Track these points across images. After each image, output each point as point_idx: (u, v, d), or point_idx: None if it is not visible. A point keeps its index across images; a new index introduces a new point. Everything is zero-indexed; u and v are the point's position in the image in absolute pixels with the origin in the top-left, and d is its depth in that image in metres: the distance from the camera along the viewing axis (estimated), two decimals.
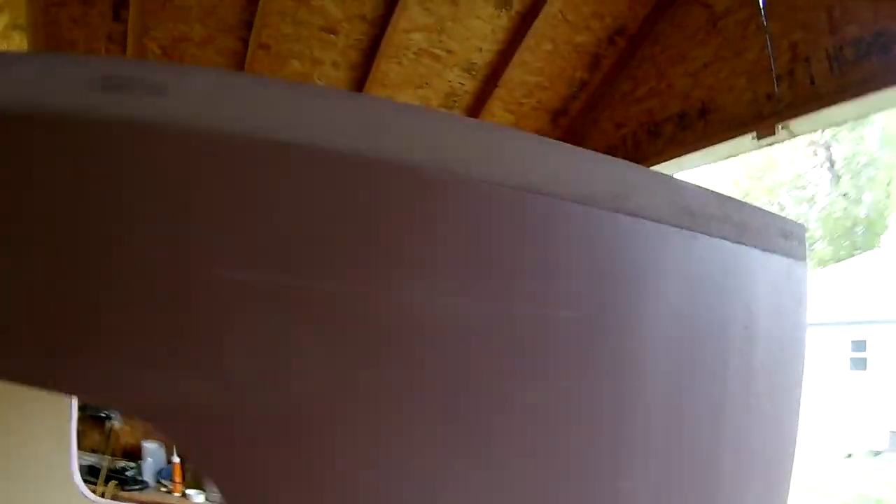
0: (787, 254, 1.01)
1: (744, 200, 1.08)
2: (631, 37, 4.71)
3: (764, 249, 0.99)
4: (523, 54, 5.09)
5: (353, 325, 0.68)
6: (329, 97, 0.73)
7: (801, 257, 1.03)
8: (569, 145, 0.88)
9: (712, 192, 0.96)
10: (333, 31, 5.16)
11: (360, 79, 5.34)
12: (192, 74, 0.65)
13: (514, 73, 5.28)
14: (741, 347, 0.95)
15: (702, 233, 0.91)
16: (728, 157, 4.21)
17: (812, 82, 3.56)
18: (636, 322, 0.87)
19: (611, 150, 4.81)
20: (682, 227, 0.89)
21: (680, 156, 4.27)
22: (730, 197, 0.99)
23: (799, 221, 1.06)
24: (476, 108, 5.55)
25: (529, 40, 4.98)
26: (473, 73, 5.36)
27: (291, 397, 0.66)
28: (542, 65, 5.21)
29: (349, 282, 0.68)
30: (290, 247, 0.66)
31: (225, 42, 5.24)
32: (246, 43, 5.09)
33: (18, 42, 5.21)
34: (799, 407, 1.06)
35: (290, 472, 0.65)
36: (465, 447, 0.75)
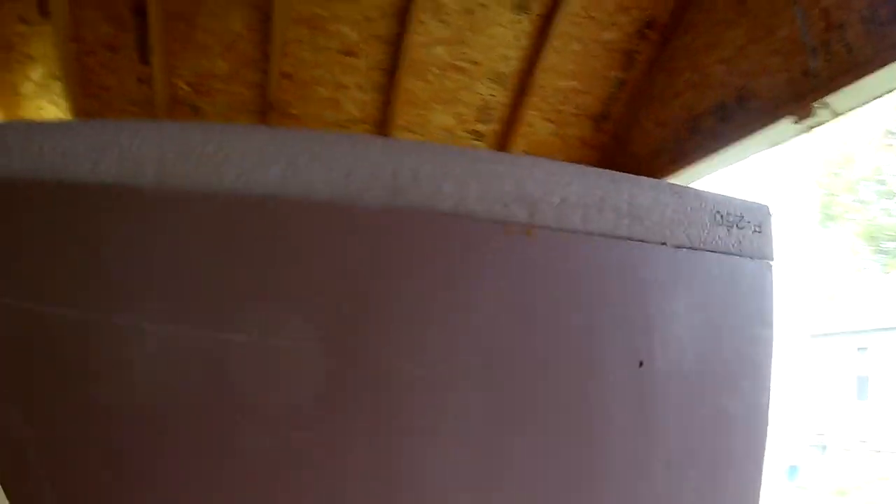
0: (731, 250, 0.83)
1: (663, 182, 0.90)
2: (662, 29, 4.76)
3: (683, 246, 0.81)
4: (551, 58, 5.13)
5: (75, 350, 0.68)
6: None
7: (757, 253, 0.83)
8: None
9: (588, 171, 0.80)
10: (353, 54, 5.36)
11: (388, 100, 5.50)
12: None
13: (547, 79, 5.30)
14: (627, 390, 0.78)
15: (552, 228, 0.74)
16: (771, 147, 4.05)
17: (849, 50, 3.37)
18: (408, 347, 0.73)
19: (655, 154, 4.63)
20: (509, 222, 0.72)
21: (720, 150, 3.99)
22: (624, 177, 0.82)
23: (763, 203, 0.82)
24: (512, 119, 5.58)
25: (555, 42, 5.01)
26: (503, 82, 5.39)
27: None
28: (574, 67, 5.24)
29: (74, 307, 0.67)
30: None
31: (249, 75, 5.52)
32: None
33: (57, 91, 5.56)
34: (761, 454, 0.86)
35: None
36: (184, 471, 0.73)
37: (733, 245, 0.81)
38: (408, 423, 0.71)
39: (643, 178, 0.83)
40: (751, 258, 0.83)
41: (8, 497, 0.69)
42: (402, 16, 4.97)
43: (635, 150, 5.20)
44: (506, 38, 5.06)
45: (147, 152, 0.68)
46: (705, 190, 0.83)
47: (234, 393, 0.70)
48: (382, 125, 5.72)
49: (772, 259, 0.83)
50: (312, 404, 0.68)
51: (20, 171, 0.68)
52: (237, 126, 0.79)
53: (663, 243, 0.79)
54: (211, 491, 0.71)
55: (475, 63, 5.24)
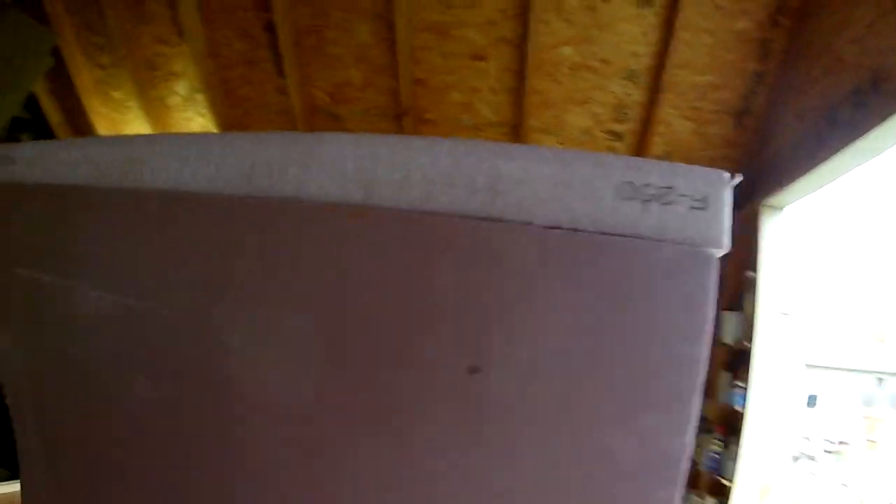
0: (645, 233, 0.62)
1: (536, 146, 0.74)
2: (794, 13, 4.71)
3: (559, 227, 0.63)
4: (683, 52, 5.15)
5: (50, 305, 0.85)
6: None
7: (694, 238, 0.61)
8: None
9: (443, 144, 0.67)
10: (482, 58, 5.64)
11: (520, 102, 5.69)
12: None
13: (681, 75, 5.33)
14: (455, 402, 0.65)
15: (386, 208, 0.66)
16: None
17: None
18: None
19: (794, 149, 4.45)
20: (344, 204, 0.68)
21: (857, 139, 3.78)
22: (491, 147, 0.66)
23: (713, 171, 0.62)
24: (648, 118, 5.65)
25: (684, 35, 5.02)
26: (636, 80, 5.47)
27: None
28: (708, 61, 5.25)
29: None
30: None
31: (383, 82, 5.91)
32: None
33: (202, 103, 6.24)
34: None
35: None
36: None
37: (651, 226, 0.60)
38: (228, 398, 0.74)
39: (519, 147, 0.66)
40: (680, 244, 0.60)
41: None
42: (525, 17, 5.20)
43: (778, 145, 5.07)
44: (633, 33, 5.16)
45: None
46: (616, 156, 0.64)
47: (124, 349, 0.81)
48: (517, 127, 5.99)
49: (719, 246, 0.61)
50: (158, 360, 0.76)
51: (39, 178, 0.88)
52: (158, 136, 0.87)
53: (529, 223, 0.62)
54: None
55: (605, 61, 5.36)
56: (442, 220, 0.64)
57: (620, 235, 0.61)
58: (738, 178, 0.61)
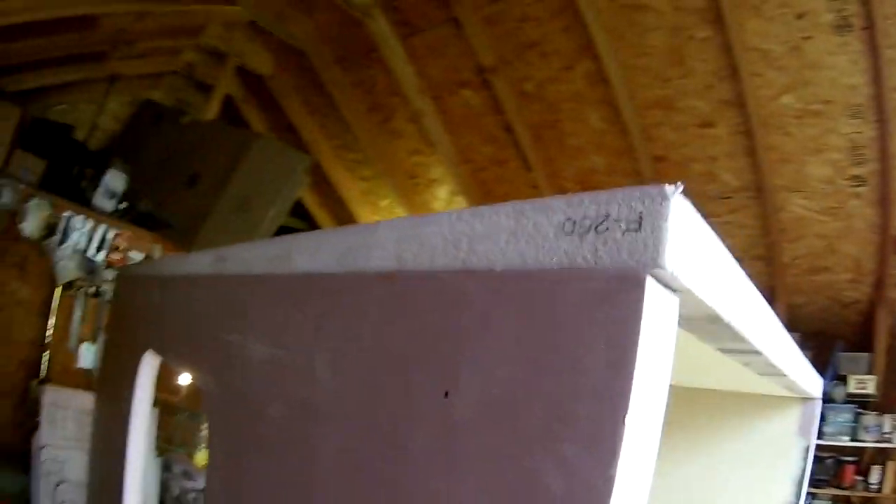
0: (577, 263, 0.64)
1: None
2: None
3: (510, 269, 0.70)
4: None
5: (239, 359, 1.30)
6: None
7: (625, 260, 0.60)
8: None
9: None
10: (710, 125, 5.72)
11: (757, 162, 5.62)
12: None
13: None
14: (433, 421, 0.75)
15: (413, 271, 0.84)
16: None
17: None
18: None
19: None
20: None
21: None
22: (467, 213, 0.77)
23: (653, 188, 0.61)
24: (887, 154, 5.28)
25: (891, 53, 4.71)
26: (862, 115, 5.15)
27: None
28: None
29: None
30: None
31: (625, 165, 6.16)
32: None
33: (462, 204, 6.90)
34: None
35: None
36: None
37: (584, 257, 0.63)
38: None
39: (486, 208, 0.75)
40: (612, 270, 0.60)
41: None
42: (737, 75, 5.24)
43: None
44: (842, 64, 4.94)
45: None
46: (561, 197, 0.67)
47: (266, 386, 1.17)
48: (761, 190, 5.86)
49: (655, 266, 0.58)
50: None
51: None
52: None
53: (490, 269, 0.70)
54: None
55: (827, 102, 5.16)
56: (438, 276, 0.77)
57: (559, 269, 0.64)
58: (680, 187, 0.59)
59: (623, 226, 0.60)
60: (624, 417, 0.57)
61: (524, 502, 0.64)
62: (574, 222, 0.64)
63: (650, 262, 0.58)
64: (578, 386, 0.61)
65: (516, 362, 0.66)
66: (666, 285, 0.61)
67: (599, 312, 0.60)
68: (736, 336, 0.84)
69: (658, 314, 0.61)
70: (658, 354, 0.61)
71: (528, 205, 0.70)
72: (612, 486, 0.57)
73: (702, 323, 0.78)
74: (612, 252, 0.60)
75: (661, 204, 0.59)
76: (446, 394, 0.70)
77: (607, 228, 0.61)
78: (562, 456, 0.61)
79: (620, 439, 0.57)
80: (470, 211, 0.76)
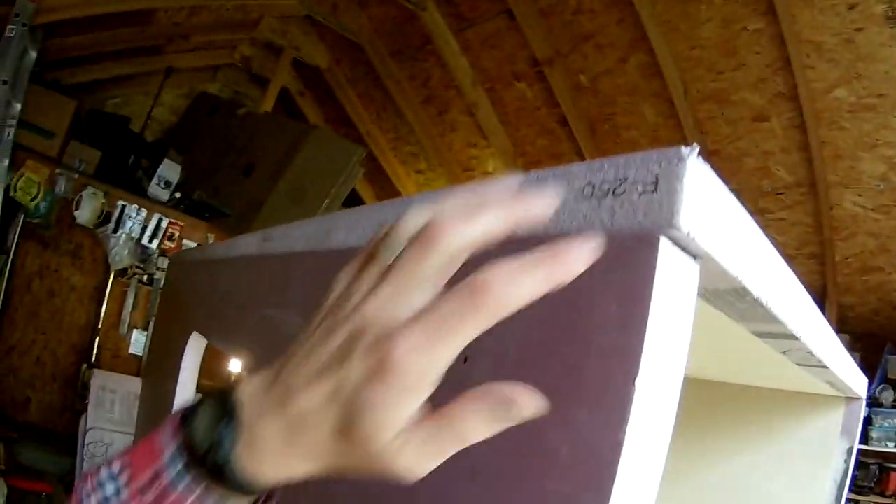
0: (594, 226, 0.64)
1: None
2: None
3: (533, 237, 0.61)
4: None
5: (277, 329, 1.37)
6: None
7: (640, 223, 0.60)
8: None
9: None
10: (764, 119, 5.57)
11: (811, 157, 5.48)
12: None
13: None
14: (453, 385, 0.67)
15: None
16: None
17: None
18: None
19: None
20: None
21: None
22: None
23: (669, 150, 0.60)
24: None
25: None
26: None
27: None
28: None
29: None
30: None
31: None
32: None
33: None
34: None
35: None
36: None
37: (602, 219, 0.62)
38: None
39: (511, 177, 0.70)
40: (626, 231, 0.60)
41: None
42: (790, 67, 5.10)
43: None
44: (895, 57, 4.81)
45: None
46: (582, 163, 0.68)
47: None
48: (814, 185, 5.72)
49: (671, 227, 0.57)
50: None
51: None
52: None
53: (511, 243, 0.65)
54: None
55: (881, 96, 4.97)
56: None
57: (577, 232, 0.63)
58: (696, 148, 0.58)
59: (640, 188, 0.60)
60: (634, 380, 0.56)
61: (529, 464, 0.64)
62: (594, 186, 0.64)
63: (665, 222, 0.57)
64: (590, 346, 0.60)
65: (529, 325, 0.66)
66: (683, 248, 0.60)
67: (613, 273, 0.59)
68: (768, 315, 0.80)
69: (674, 277, 0.59)
70: (674, 319, 0.60)
71: (550, 172, 0.69)
72: (620, 453, 0.55)
73: (729, 299, 0.76)
74: (629, 214, 0.60)
75: (677, 165, 0.58)
76: (465, 359, 0.66)
77: (625, 191, 0.61)
78: (568, 420, 0.60)
79: (630, 402, 0.56)
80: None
